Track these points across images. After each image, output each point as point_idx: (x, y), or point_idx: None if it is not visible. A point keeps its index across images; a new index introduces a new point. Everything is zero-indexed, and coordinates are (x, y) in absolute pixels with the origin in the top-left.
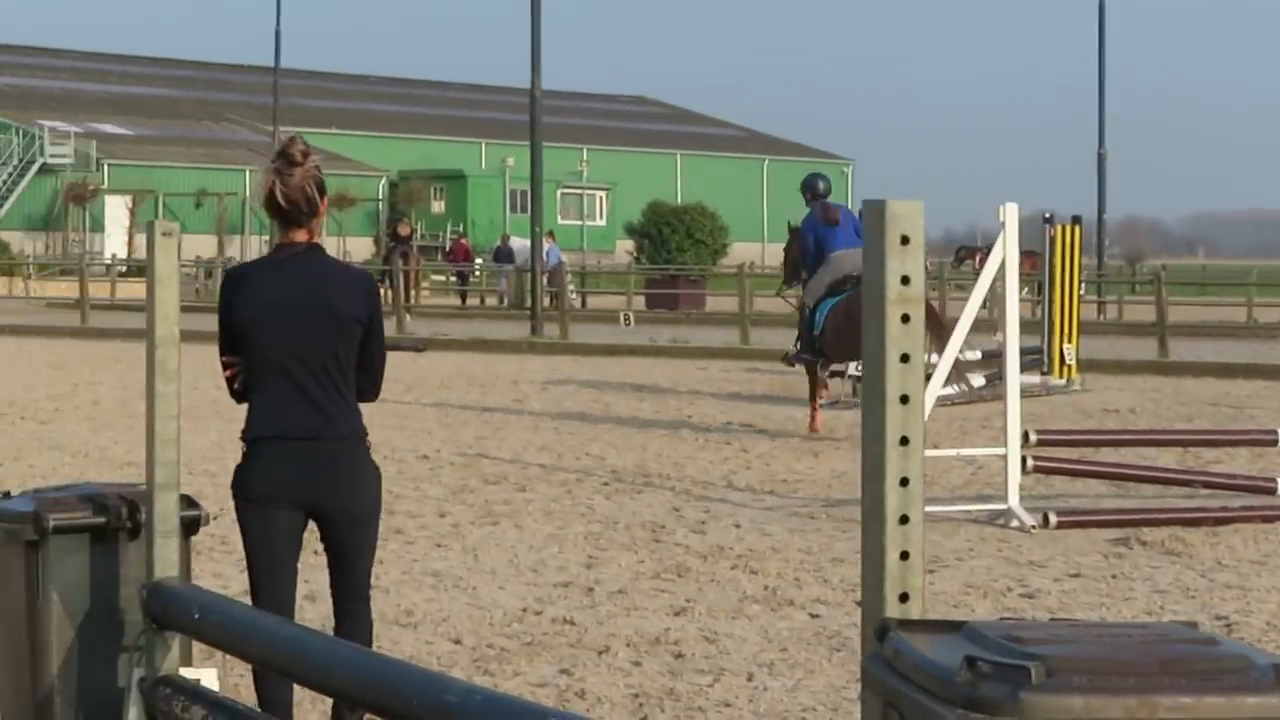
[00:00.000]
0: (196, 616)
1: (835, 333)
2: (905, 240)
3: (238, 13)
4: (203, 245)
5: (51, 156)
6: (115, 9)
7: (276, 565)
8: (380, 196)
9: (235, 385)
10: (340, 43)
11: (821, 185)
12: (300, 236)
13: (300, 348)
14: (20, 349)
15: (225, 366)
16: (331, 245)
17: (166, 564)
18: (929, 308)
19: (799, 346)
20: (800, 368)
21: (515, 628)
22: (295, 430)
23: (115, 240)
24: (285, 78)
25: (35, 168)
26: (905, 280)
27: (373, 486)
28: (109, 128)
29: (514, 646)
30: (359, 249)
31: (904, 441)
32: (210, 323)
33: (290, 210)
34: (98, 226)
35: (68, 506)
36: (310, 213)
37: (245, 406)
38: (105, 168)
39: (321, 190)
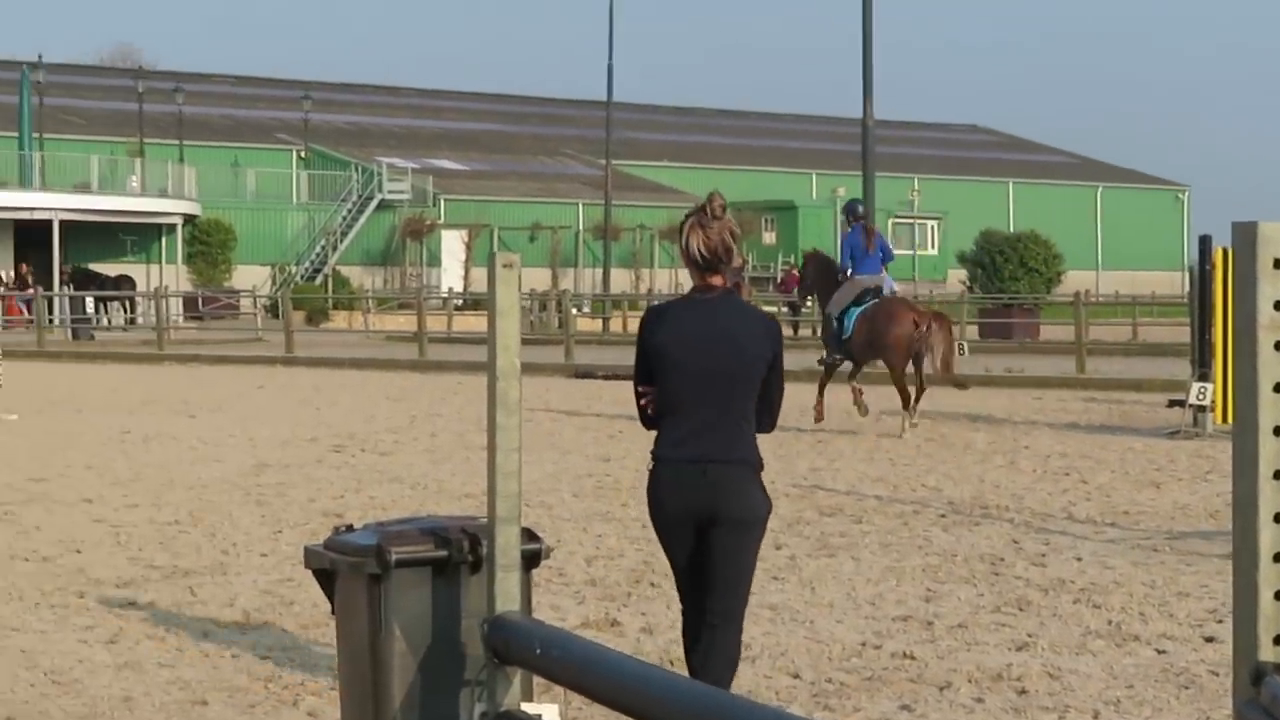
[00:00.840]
0: (538, 651)
1: (860, 335)
2: (1278, 264)
3: (571, 48)
4: (537, 278)
5: (390, 192)
6: (452, 47)
7: (691, 567)
8: None
9: (649, 411)
10: (671, 76)
11: (860, 209)
12: (715, 281)
13: (708, 381)
14: (361, 382)
15: (640, 395)
16: (664, 277)
17: (508, 598)
18: (940, 316)
19: (828, 348)
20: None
21: (854, 662)
22: (699, 454)
23: (451, 274)
24: (618, 111)
25: (374, 204)
26: (1278, 305)
27: (761, 505)
28: (445, 163)
29: (854, 681)
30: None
31: (1278, 475)
32: (544, 354)
33: (709, 258)
34: (434, 260)
35: (410, 540)
36: (725, 261)
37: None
38: (441, 203)
39: (736, 240)
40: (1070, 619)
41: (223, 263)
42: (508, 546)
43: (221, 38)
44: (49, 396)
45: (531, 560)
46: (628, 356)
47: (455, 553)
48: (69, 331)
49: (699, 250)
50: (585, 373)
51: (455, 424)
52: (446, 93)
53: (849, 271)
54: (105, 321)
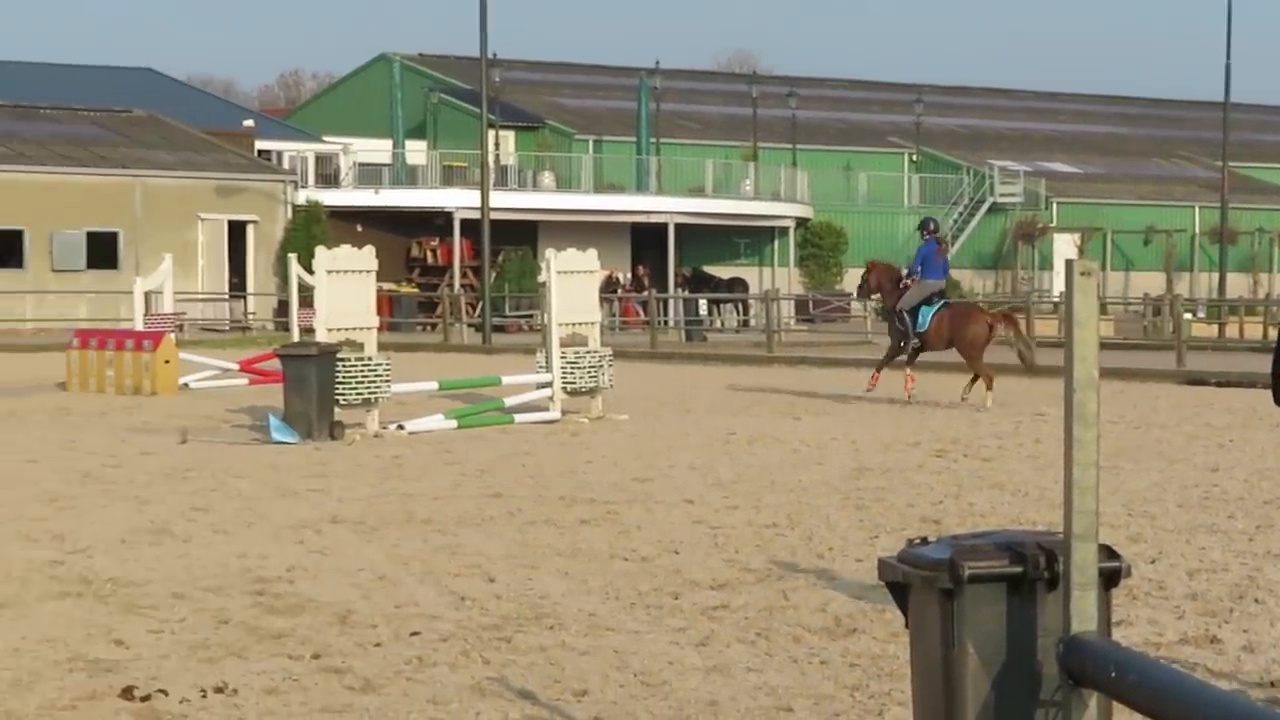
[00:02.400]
0: (1112, 674)
1: (940, 330)
2: None
3: (1188, 48)
4: (1151, 282)
5: (1001, 196)
6: (1065, 49)
7: None
8: None
9: None
10: None
11: (932, 225)
12: None
13: None
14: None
15: None
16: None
17: (1084, 617)
18: (1008, 317)
19: (904, 338)
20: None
21: None
22: None
23: (1063, 278)
24: (1236, 112)
25: (985, 207)
26: None
27: None
28: (1058, 166)
29: None
30: None
31: None
32: (1155, 360)
33: None
34: (1046, 264)
35: (984, 554)
36: None
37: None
38: (1054, 206)
39: None
40: None
41: (834, 266)
42: (1084, 564)
43: (836, 42)
44: (659, 397)
45: (1111, 579)
46: (1244, 363)
47: (1031, 569)
48: (682, 333)
49: None
50: (1197, 379)
51: (1061, 429)
52: (1060, 95)
53: (916, 276)
54: (718, 323)
